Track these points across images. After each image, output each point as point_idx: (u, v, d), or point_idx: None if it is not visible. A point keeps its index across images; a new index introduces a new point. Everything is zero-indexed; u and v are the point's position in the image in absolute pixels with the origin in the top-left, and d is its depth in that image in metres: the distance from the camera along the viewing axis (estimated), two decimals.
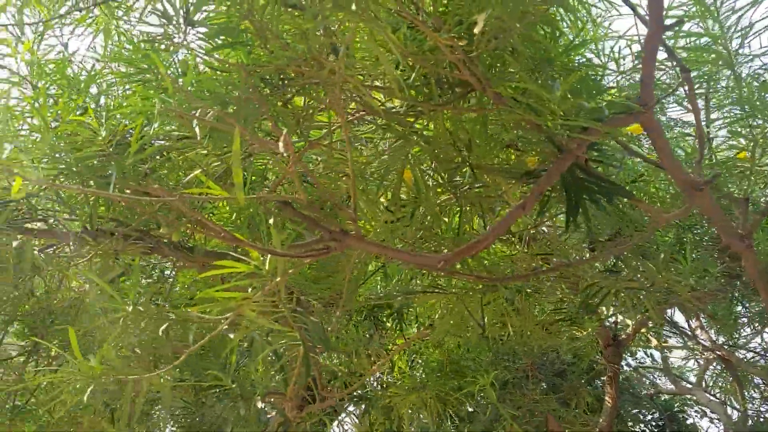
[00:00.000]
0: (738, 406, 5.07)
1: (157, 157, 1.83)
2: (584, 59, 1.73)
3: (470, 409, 3.55)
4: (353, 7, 0.89)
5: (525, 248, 2.13)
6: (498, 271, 1.89)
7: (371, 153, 2.13)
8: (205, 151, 1.76)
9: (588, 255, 2.08)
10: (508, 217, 1.36)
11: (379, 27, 0.97)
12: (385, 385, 3.14)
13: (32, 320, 3.57)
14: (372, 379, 3.98)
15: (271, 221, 1.87)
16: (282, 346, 1.60)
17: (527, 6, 1.38)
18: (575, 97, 1.44)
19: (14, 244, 1.57)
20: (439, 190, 1.87)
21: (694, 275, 2.25)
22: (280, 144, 0.98)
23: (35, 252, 1.69)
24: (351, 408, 2.47)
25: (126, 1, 2.44)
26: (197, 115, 1.60)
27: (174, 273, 3.18)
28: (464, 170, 1.82)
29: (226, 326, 1.38)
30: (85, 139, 1.72)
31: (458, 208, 1.71)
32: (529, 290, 2.25)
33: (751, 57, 2.04)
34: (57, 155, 1.75)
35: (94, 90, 2.39)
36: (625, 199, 1.65)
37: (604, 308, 2.64)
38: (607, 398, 3.86)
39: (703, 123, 2.07)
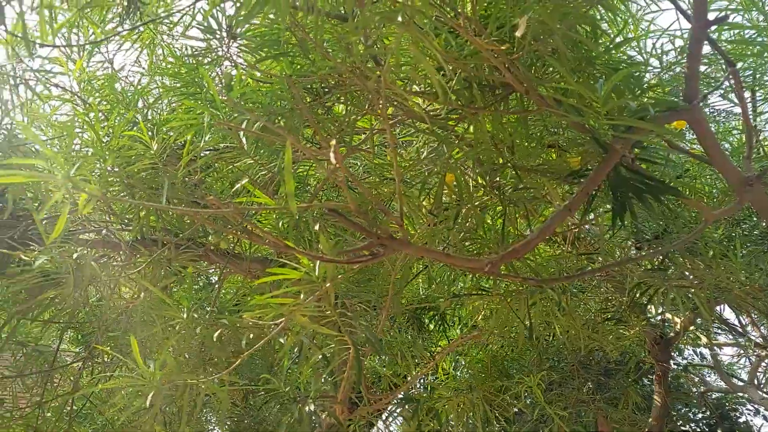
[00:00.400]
0: None
1: (207, 167, 1.88)
2: (626, 57, 1.72)
3: (516, 410, 3.53)
4: (399, 18, 0.91)
5: (569, 248, 2.13)
6: (544, 271, 1.89)
7: (411, 157, 2.15)
8: (252, 161, 1.81)
9: (634, 253, 2.05)
10: (555, 219, 1.36)
11: (424, 37, 0.99)
12: (430, 387, 3.15)
13: (86, 328, 3.69)
14: (416, 380, 4.00)
15: (317, 227, 1.91)
16: (331, 350, 1.63)
17: (568, 7, 1.38)
18: (619, 96, 1.43)
19: (74, 256, 1.64)
20: (480, 192, 1.88)
21: (744, 271, 2.20)
22: (331, 154, 1.01)
23: (92, 263, 1.75)
24: (396, 409, 2.49)
25: (170, 17, 2.52)
26: (244, 126, 1.64)
27: (220, 279, 3.26)
28: (506, 172, 1.82)
29: (277, 331, 1.42)
30: (137, 152, 1.78)
31: (501, 210, 1.71)
32: (574, 290, 2.24)
33: None
34: (110, 169, 1.82)
35: (140, 103, 2.48)
36: (673, 197, 1.63)
37: (651, 306, 2.61)
38: (656, 397, 3.80)
39: (750, 116, 2.03)
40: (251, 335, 1.65)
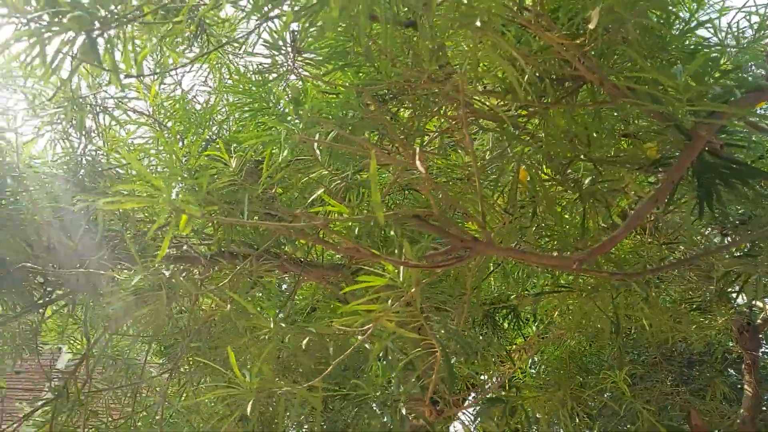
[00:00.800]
0: None
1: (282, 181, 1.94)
2: (701, 39, 1.66)
3: (600, 406, 3.46)
4: (477, 23, 0.92)
5: (650, 238, 2.07)
6: (625, 263, 1.85)
7: (482, 156, 2.15)
8: (326, 171, 1.85)
9: (719, 240, 1.99)
10: (641, 211, 1.33)
11: (499, 38, 1.00)
12: (515, 387, 3.12)
13: (169, 340, 3.84)
14: (491, 379, 3.97)
15: (392, 232, 1.93)
16: (416, 353, 1.65)
17: None
18: (698, 81, 1.39)
19: (167, 273, 1.72)
20: (553, 188, 1.86)
21: None
22: (417, 163, 1.03)
23: (181, 280, 1.83)
24: (482, 411, 2.49)
25: (235, 37, 2.59)
26: (318, 138, 1.68)
27: (294, 287, 3.33)
28: (579, 165, 1.80)
29: (363, 337, 1.45)
30: (217, 170, 1.85)
31: (579, 205, 1.69)
32: (656, 280, 2.18)
33: None
34: (191, 188, 1.90)
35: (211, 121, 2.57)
36: (763, 181, 1.57)
37: (741, 295, 2.51)
38: (746, 387, 3.64)
39: None
40: (337, 342, 1.68)
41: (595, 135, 1.66)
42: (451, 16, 1.05)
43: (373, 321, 1.35)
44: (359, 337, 1.46)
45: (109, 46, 1.30)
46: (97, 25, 1.33)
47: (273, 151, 1.73)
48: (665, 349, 3.94)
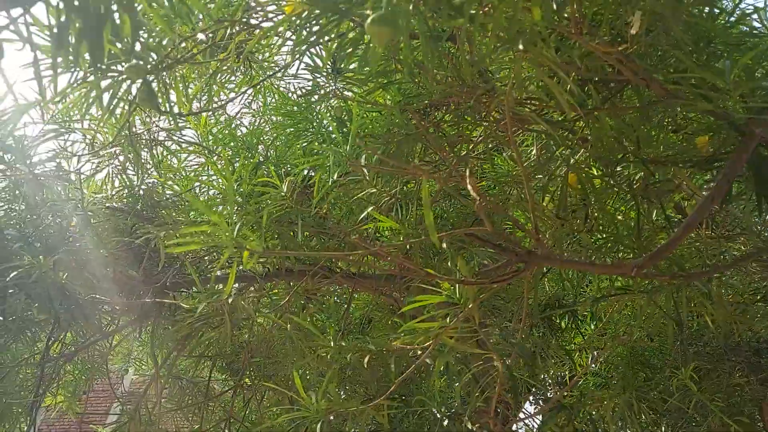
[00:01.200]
0: None
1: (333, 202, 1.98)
2: (748, 28, 1.63)
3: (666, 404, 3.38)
4: (521, 46, 0.93)
5: (709, 231, 2.03)
6: (686, 260, 1.82)
7: (529, 160, 2.14)
8: (375, 189, 1.88)
9: None
10: (699, 212, 1.32)
11: (543, 54, 1.00)
12: (568, 386, 3.08)
13: (230, 357, 3.94)
14: (551, 379, 3.92)
15: (444, 245, 1.94)
16: (479, 367, 1.66)
17: None
18: (749, 75, 1.36)
19: (230, 300, 1.78)
20: (603, 191, 1.84)
21: None
22: (469, 187, 1.04)
23: (243, 304, 1.89)
24: (547, 419, 2.47)
25: (273, 60, 2.66)
26: (364, 158, 1.71)
27: (349, 300, 3.38)
28: (630, 165, 1.77)
29: (424, 354, 1.47)
30: (269, 195, 1.90)
31: (633, 206, 1.67)
32: (717, 275, 2.13)
33: None
34: (249, 217, 1.96)
35: (259, 146, 2.64)
36: None
37: None
38: None
39: None
40: (397, 357, 1.71)
41: (643, 133, 1.64)
42: (494, 33, 1.06)
43: (433, 338, 1.37)
44: (420, 353, 1.48)
45: (163, 88, 1.37)
46: (154, 69, 1.40)
47: (322, 174, 1.77)
48: (731, 339, 3.83)
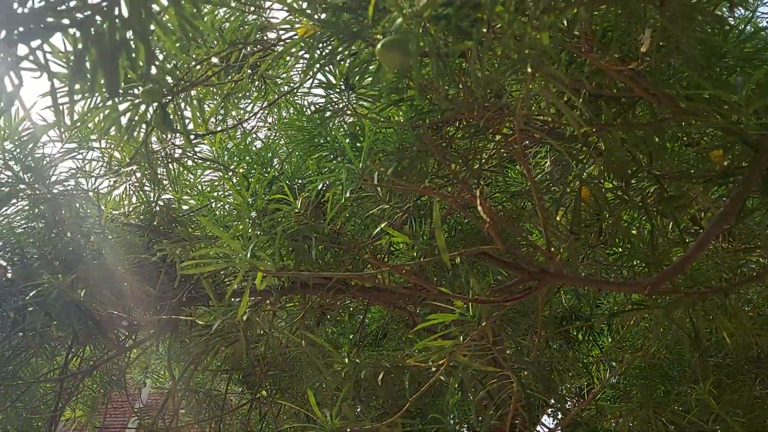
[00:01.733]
0: None
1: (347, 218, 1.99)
2: (762, 43, 1.62)
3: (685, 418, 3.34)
4: (529, 69, 0.94)
5: (725, 244, 2.01)
6: (701, 274, 1.80)
7: (541, 174, 2.14)
8: (387, 206, 1.89)
9: None
10: (712, 230, 1.31)
11: (553, 74, 1.01)
12: (586, 400, 3.06)
13: (247, 370, 3.96)
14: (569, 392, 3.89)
15: (458, 260, 1.95)
16: (493, 384, 1.66)
17: (692, 9, 1.33)
18: (762, 91, 1.36)
19: (244, 318, 1.80)
20: (617, 205, 1.83)
21: None
22: (480, 209, 1.05)
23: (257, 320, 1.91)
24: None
25: (288, 76, 2.69)
26: (377, 175, 1.72)
27: (364, 313, 3.38)
28: (644, 180, 1.77)
29: (438, 372, 1.47)
30: (283, 211, 1.92)
31: (648, 222, 1.66)
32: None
33: None
34: (258, 232, 1.98)
35: (274, 161, 2.66)
36: None
37: None
38: None
39: None
40: (412, 372, 1.71)
41: (656, 147, 1.63)
42: (503, 55, 1.07)
43: (447, 356, 1.37)
44: (434, 369, 1.48)
45: (178, 111, 1.39)
46: (170, 92, 1.42)
47: (336, 191, 1.79)
48: (751, 351, 3.77)
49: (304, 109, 2.68)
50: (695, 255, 1.30)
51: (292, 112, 2.88)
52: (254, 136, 3.24)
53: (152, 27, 1.05)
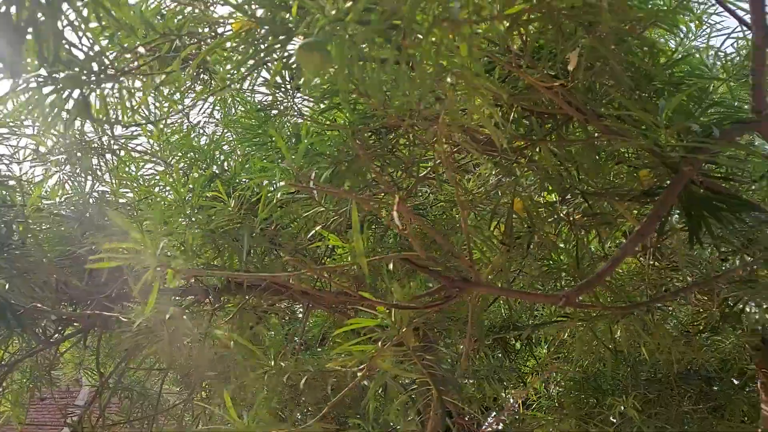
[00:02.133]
0: None
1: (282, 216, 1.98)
2: (688, 68, 1.68)
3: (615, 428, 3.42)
4: (449, 80, 0.95)
5: (651, 260, 2.07)
6: (627, 288, 1.85)
7: (477, 183, 2.16)
8: (323, 208, 1.88)
9: (720, 266, 1.98)
10: (627, 247, 1.34)
11: (479, 85, 1.02)
12: (522, 409, 3.11)
13: (184, 369, 3.87)
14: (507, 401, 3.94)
15: (390, 266, 1.95)
16: (417, 391, 1.66)
17: (623, 33, 1.37)
18: (684, 113, 1.40)
19: (167, 316, 1.76)
20: (547, 219, 1.86)
21: None
22: (394, 214, 1.05)
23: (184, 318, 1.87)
24: None
25: (236, 72, 2.65)
26: (313, 177, 1.71)
27: (305, 315, 3.36)
28: (575, 196, 1.81)
29: (357, 378, 1.47)
30: (217, 209, 1.89)
31: (574, 235, 1.70)
32: (659, 305, 2.17)
33: None
34: (193, 228, 1.94)
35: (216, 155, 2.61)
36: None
37: (746, 315, 2.48)
38: (763, 406, 3.57)
39: None
40: (335, 379, 1.70)
41: (587, 165, 1.67)
42: (428, 70, 1.08)
43: (367, 362, 1.36)
44: (357, 373, 1.48)
45: (101, 100, 1.35)
46: (93, 79, 1.38)
47: (270, 190, 1.77)
48: (681, 367, 3.88)
49: (251, 105, 2.65)
50: (610, 270, 1.33)
51: (241, 108, 2.84)
52: (200, 131, 3.18)
53: (70, 13, 1.02)
